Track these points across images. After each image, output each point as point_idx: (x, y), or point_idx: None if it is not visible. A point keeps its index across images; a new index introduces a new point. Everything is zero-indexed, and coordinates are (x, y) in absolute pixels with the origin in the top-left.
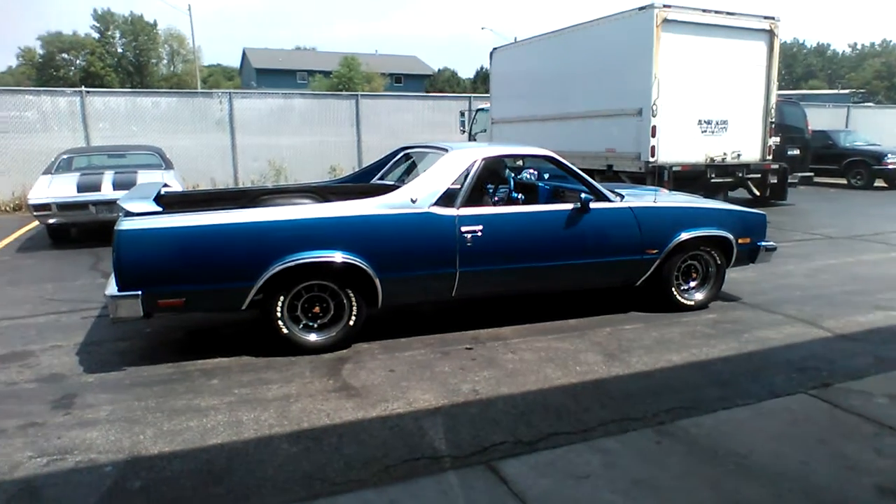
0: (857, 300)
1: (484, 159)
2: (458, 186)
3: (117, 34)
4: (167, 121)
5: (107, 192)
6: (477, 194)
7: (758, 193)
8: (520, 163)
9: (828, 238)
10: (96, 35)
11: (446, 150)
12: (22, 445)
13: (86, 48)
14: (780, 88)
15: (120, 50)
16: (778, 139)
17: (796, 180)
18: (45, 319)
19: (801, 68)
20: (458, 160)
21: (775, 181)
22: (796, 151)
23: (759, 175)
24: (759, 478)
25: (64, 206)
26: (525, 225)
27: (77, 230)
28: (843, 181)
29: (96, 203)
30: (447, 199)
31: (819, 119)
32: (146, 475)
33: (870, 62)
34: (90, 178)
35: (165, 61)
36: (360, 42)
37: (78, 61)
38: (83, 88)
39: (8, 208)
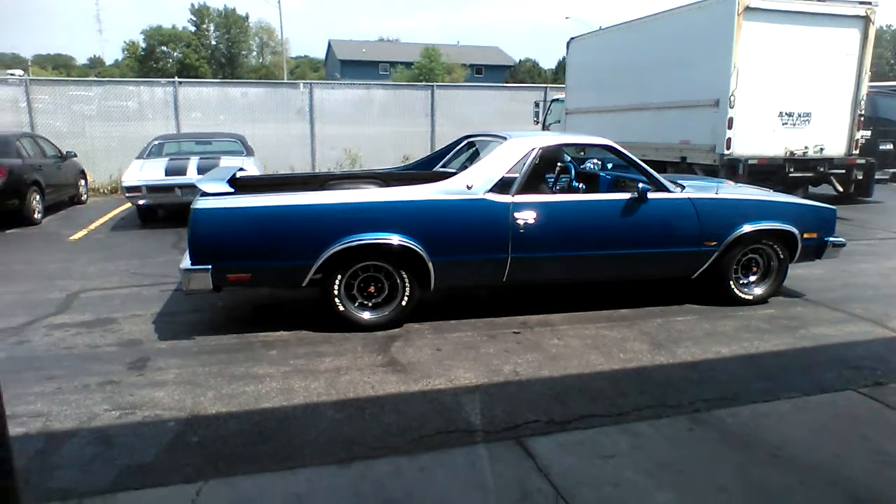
0: None
1: (542, 148)
2: (515, 174)
3: (212, 27)
4: (253, 110)
5: (192, 176)
6: (534, 182)
7: (841, 190)
8: (582, 153)
9: None
10: (193, 28)
11: (505, 138)
12: (100, 399)
13: (182, 41)
14: (888, 79)
15: (213, 42)
16: (868, 133)
17: (887, 177)
18: (128, 291)
19: None
20: (515, 148)
21: (861, 177)
22: (890, 146)
23: (843, 170)
24: (789, 467)
25: (153, 189)
26: (579, 213)
27: (164, 211)
28: None
29: (181, 186)
30: (503, 186)
31: None
32: (203, 432)
33: None
34: (177, 162)
35: (255, 53)
36: (442, 33)
37: (175, 53)
38: (176, 79)
39: (106, 191)
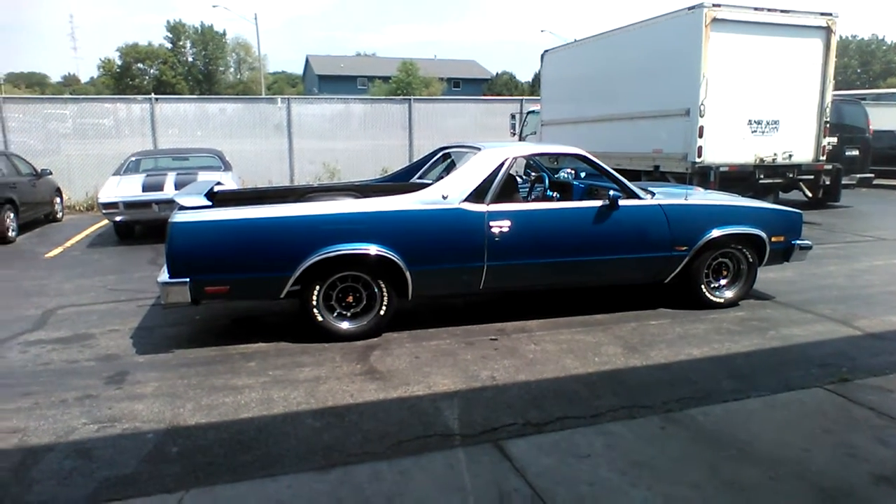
0: None
1: (515, 158)
2: (489, 183)
3: (188, 44)
4: (231, 126)
5: (169, 191)
6: (508, 191)
7: (810, 195)
8: (556, 163)
9: (879, 240)
10: (169, 45)
11: (479, 149)
12: (78, 414)
13: (159, 58)
14: (854, 88)
15: (190, 59)
16: (834, 139)
17: (854, 182)
18: (106, 307)
19: (879, 66)
20: (489, 159)
21: (828, 182)
22: (855, 152)
23: (811, 176)
24: (758, 462)
25: (130, 205)
26: (552, 221)
27: (141, 227)
28: None
29: (159, 202)
30: (478, 195)
31: (890, 118)
32: (183, 442)
33: None
34: (154, 178)
35: (232, 69)
36: (420, 47)
37: (152, 70)
38: (153, 96)
39: (82, 208)
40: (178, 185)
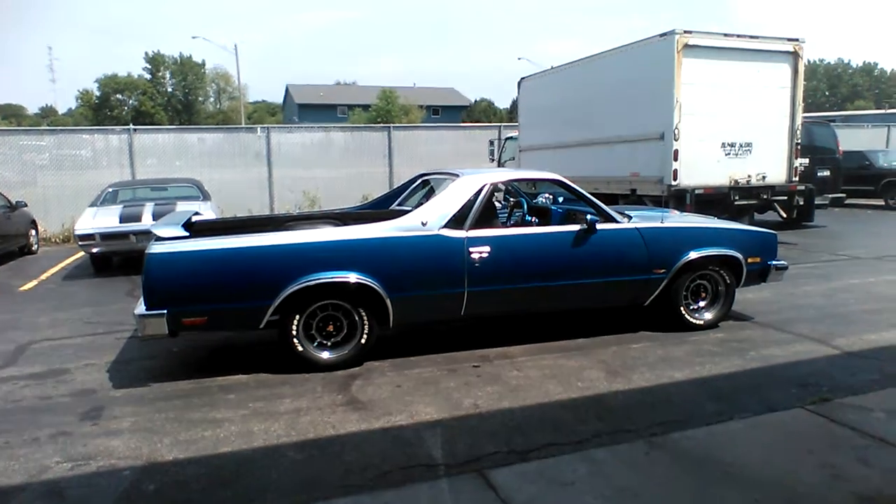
0: (873, 319)
1: (493, 184)
2: (468, 210)
3: (167, 74)
4: (210, 155)
5: (147, 222)
6: (487, 217)
7: (785, 215)
8: (534, 188)
9: (854, 259)
10: (148, 76)
11: (458, 176)
12: (51, 452)
13: (138, 88)
14: (823, 110)
15: (169, 89)
16: (806, 161)
17: (826, 202)
18: (81, 340)
19: (846, 89)
20: (467, 185)
21: (802, 203)
22: (826, 173)
23: (785, 197)
24: (742, 485)
25: (106, 236)
26: (531, 246)
27: (119, 259)
28: (881, 202)
29: (136, 233)
30: (457, 221)
31: (858, 140)
32: (160, 479)
33: None
34: (132, 209)
35: (212, 99)
36: (399, 76)
37: (131, 101)
38: (131, 126)
39: (58, 240)
40: (156, 216)
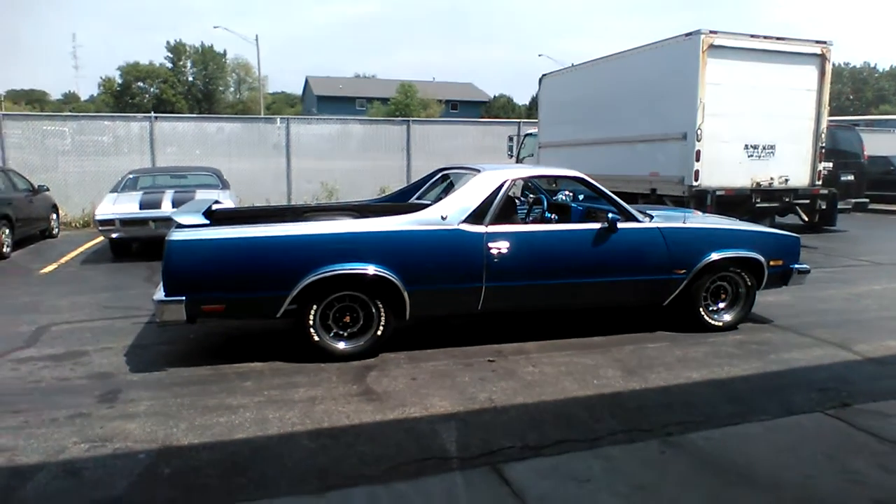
0: (894, 325)
1: (514, 180)
2: (488, 205)
3: (188, 64)
4: (229, 145)
5: (166, 209)
6: (507, 213)
7: (806, 219)
8: (554, 185)
9: (875, 264)
10: (169, 65)
11: (479, 171)
12: (69, 433)
13: (159, 77)
14: (847, 114)
15: (190, 78)
16: (830, 165)
17: (850, 206)
18: (100, 324)
19: (871, 93)
20: (488, 180)
21: (824, 207)
22: (850, 177)
23: (807, 200)
24: (760, 488)
25: (126, 222)
26: (551, 243)
27: (138, 245)
28: None
29: (156, 219)
30: (477, 216)
31: (882, 145)
32: (175, 463)
33: None
34: (152, 196)
35: (232, 89)
36: (418, 70)
37: (152, 89)
38: (152, 114)
39: (78, 224)
40: (176, 203)
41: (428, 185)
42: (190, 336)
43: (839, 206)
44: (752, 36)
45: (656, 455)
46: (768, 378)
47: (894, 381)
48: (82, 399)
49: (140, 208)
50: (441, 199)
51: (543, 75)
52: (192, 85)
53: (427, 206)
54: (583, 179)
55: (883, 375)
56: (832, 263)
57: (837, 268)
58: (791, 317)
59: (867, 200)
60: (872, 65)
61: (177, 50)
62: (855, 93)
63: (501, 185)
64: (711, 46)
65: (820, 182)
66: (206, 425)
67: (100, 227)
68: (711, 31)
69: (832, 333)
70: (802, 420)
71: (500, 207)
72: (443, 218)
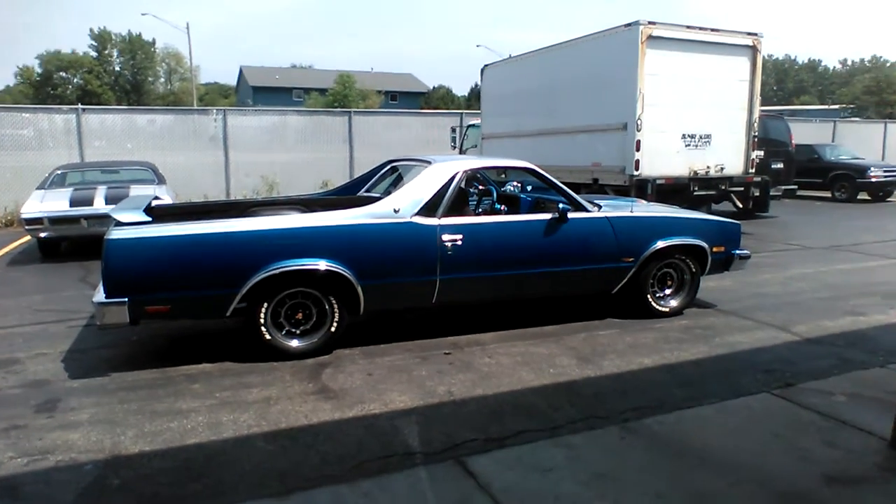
0: (828, 306)
1: (465, 171)
2: (441, 197)
3: (115, 53)
4: (162, 138)
5: (99, 206)
6: (459, 205)
7: (740, 206)
8: (503, 176)
9: (806, 248)
10: (94, 54)
11: (430, 163)
12: (3, 447)
13: (84, 67)
14: (771, 104)
15: (117, 68)
16: (761, 153)
17: (780, 193)
18: (32, 329)
19: (792, 84)
20: (440, 172)
21: (757, 194)
22: (780, 165)
23: (741, 188)
24: (716, 469)
25: (56, 220)
26: (504, 234)
27: (68, 244)
28: (828, 194)
29: (88, 217)
30: (429, 209)
31: (806, 133)
32: (125, 473)
33: (859, 78)
34: (83, 192)
35: (162, 80)
36: (356, 60)
37: (75, 80)
38: (79, 106)
39: (0, 224)
40: (109, 200)
41: (376, 177)
42: (132, 338)
43: (770, 193)
44: (689, 27)
45: (616, 441)
46: (716, 361)
47: (832, 360)
48: (17, 410)
49: (70, 205)
50: (391, 192)
51: (486, 66)
52: (119, 75)
53: (378, 199)
54: (533, 170)
55: (821, 355)
56: (766, 248)
57: (771, 252)
58: (732, 301)
59: (796, 187)
60: (793, 57)
61: (102, 38)
62: (777, 84)
63: (453, 177)
64: (650, 37)
65: (753, 170)
66: (157, 431)
67: (27, 227)
68: (650, 22)
69: (772, 316)
70: (750, 401)
71: (453, 199)
72: (395, 211)
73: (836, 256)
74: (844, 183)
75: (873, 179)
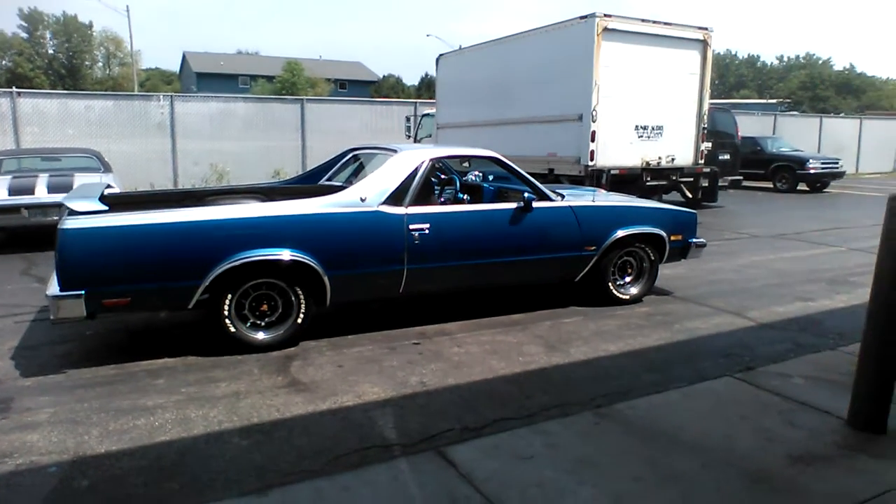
0: (779, 292)
1: (432, 160)
2: (407, 186)
3: (48, 35)
4: (103, 125)
5: (41, 195)
6: (425, 194)
7: (690, 196)
8: (465, 165)
9: (754, 237)
10: (25, 35)
11: (396, 151)
12: None
13: (13, 48)
14: (712, 97)
15: (51, 51)
16: (710, 144)
17: (726, 184)
18: None
19: (733, 78)
20: (407, 160)
21: (706, 184)
22: (727, 156)
23: (691, 178)
24: (689, 452)
25: None
26: (471, 223)
27: (6, 235)
28: (770, 185)
29: (29, 206)
30: (396, 198)
31: (748, 126)
32: (94, 474)
33: (795, 74)
34: (22, 181)
35: (101, 64)
36: (304, 47)
37: (4, 62)
38: (14, 89)
39: None
40: (52, 189)
41: (338, 166)
42: (87, 333)
43: (718, 184)
44: (643, 20)
45: (591, 427)
46: (678, 347)
47: (787, 344)
48: None
49: (9, 194)
50: (353, 181)
51: (441, 55)
52: (53, 59)
53: (342, 187)
54: (499, 160)
55: (776, 339)
56: (717, 237)
57: (722, 241)
58: (689, 288)
59: (741, 178)
60: (733, 52)
61: (32, 18)
62: (719, 78)
63: (420, 166)
64: (605, 29)
65: (702, 161)
66: (123, 430)
67: None
68: (606, 15)
69: (727, 302)
70: (714, 385)
71: (420, 188)
72: (362, 199)
73: (782, 244)
74: (785, 174)
75: (812, 171)
